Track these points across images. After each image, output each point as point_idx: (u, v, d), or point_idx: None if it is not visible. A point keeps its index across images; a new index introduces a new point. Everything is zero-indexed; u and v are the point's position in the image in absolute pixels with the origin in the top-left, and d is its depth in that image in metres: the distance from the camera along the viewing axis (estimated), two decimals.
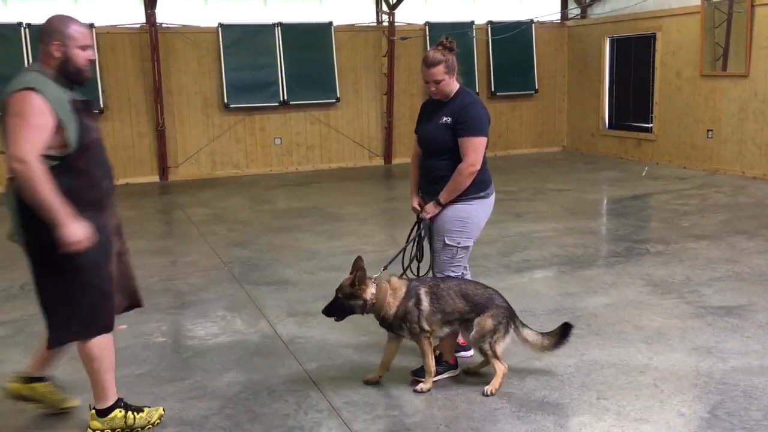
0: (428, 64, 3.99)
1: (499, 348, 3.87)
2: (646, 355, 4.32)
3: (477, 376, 4.10)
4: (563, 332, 3.98)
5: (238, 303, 5.53)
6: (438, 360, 4.09)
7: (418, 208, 4.25)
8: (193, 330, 5.03)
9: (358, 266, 3.83)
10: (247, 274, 6.29)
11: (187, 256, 7.01)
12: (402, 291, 3.87)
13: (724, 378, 3.98)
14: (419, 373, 4.05)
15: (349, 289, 3.85)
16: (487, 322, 3.85)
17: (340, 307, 3.89)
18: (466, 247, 4.12)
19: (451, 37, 4.16)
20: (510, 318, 3.94)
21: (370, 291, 3.84)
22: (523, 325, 4.01)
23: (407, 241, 4.29)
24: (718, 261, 6.23)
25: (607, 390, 3.89)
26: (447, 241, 4.06)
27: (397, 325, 3.87)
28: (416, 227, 4.29)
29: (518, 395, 3.86)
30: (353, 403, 3.83)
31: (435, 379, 3.99)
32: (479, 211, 4.10)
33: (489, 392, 3.84)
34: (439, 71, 3.98)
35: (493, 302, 3.92)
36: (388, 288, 3.87)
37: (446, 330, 3.94)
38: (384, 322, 3.91)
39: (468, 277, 4.23)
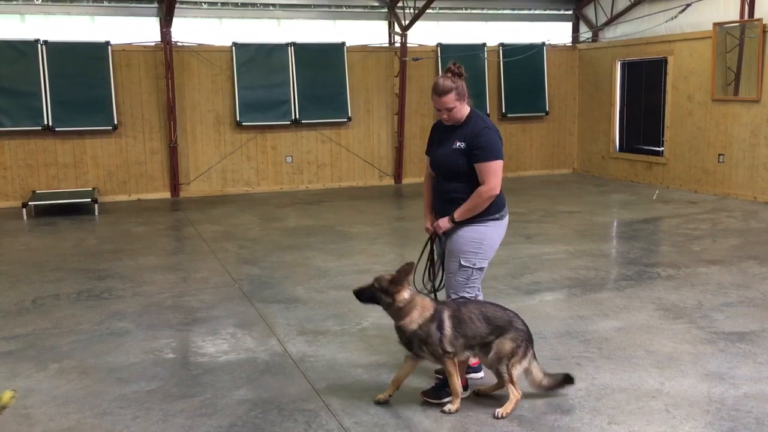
0: (439, 92, 4.01)
1: (516, 371, 3.87)
2: (657, 380, 4.30)
3: (488, 398, 4.08)
4: (563, 382, 4.05)
5: (249, 320, 5.54)
6: (447, 381, 4.08)
7: (432, 230, 4.27)
8: (203, 347, 5.04)
9: (405, 270, 3.87)
10: (258, 292, 6.30)
11: (197, 272, 7.03)
12: (429, 312, 3.88)
13: (737, 404, 3.95)
14: (429, 394, 4.04)
15: (386, 284, 3.86)
16: (505, 344, 3.86)
17: (371, 295, 3.91)
18: (481, 269, 4.13)
19: (461, 59, 4.19)
20: (529, 342, 3.95)
21: (404, 296, 3.86)
22: (534, 357, 4.02)
23: (427, 259, 4.31)
24: (729, 286, 6.20)
25: (619, 415, 3.87)
26: (463, 263, 4.07)
27: (417, 345, 3.87)
28: (429, 246, 4.30)
29: (529, 418, 3.84)
30: (363, 423, 3.82)
31: (443, 401, 3.98)
32: (494, 233, 4.12)
33: (501, 415, 3.84)
34: (450, 99, 4.00)
35: (513, 325, 3.92)
36: (419, 303, 3.90)
37: (467, 354, 3.93)
38: (401, 333, 3.91)
39: (480, 298, 4.23)
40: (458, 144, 4.06)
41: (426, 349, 3.85)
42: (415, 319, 3.84)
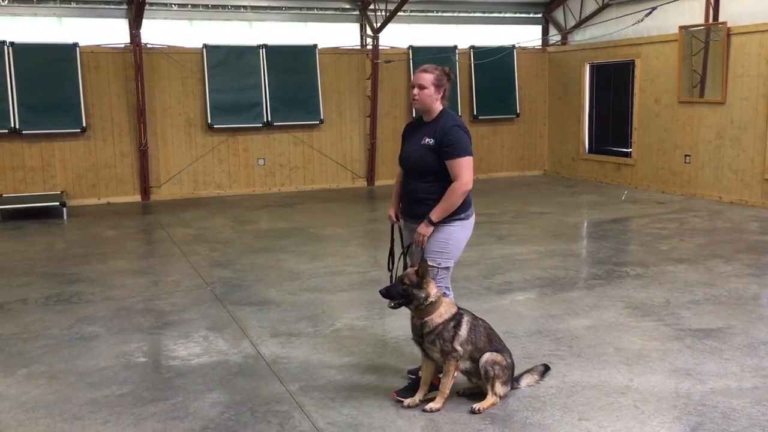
0: (421, 69, 4.15)
1: (498, 384, 3.96)
2: (626, 376, 4.37)
3: (462, 397, 4.11)
4: (543, 373, 4.33)
5: (221, 323, 5.51)
6: (418, 381, 4.10)
7: (394, 218, 4.37)
8: (175, 350, 5.00)
9: (423, 264, 3.92)
10: (230, 295, 6.27)
11: (169, 276, 6.98)
12: (454, 309, 3.99)
13: (703, 399, 4.04)
14: (402, 394, 4.07)
15: (415, 278, 3.88)
16: (500, 358, 4.00)
17: (403, 292, 3.90)
18: (447, 268, 4.16)
19: (432, 62, 4.29)
20: (512, 373, 4.10)
21: (433, 290, 3.92)
22: (517, 379, 4.19)
23: (391, 251, 4.41)
24: (696, 284, 6.32)
25: (589, 411, 3.92)
26: (428, 262, 4.09)
27: (431, 339, 3.91)
28: (392, 239, 4.41)
29: (501, 416, 3.88)
30: (336, 423, 3.83)
31: (417, 401, 4.00)
32: (460, 233, 4.15)
33: (477, 409, 3.91)
34: (427, 78, 4.10)
35: (508, 353, 4.10)
36: (445, 300, 3.98)
37: (467, 365, 3.99)
38: (423, 328, 3.92)
39: (451, 297, 4.26)
40: (427, 140, 4.10)
41: (438, 344, 3.90)
42: (442, 314, 3.93)
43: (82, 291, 6.45)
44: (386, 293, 3.95)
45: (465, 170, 4.03)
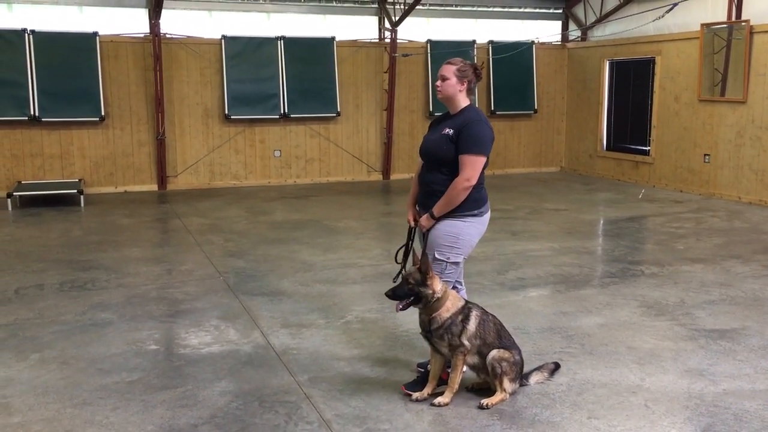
0: (446, 61, 4.16)
1: (506, 381, 3.93)
2: (638, 375, 4.33)
3: (470, 392, 4.10)
4: (552, 371, 4.31)
5: (232, 313, 5.53)
6: (427, 375, 4.09)
7: (412, 222, 4.30)
8: (186, 338, 5.02)
9: (424, 259, 3.89)
10: (242, 285, 6.29)
11: (182, 264, 7.01)
12: (461, 303, 3.96)
13: (716, 401, 3.99)
14: (411, 387, 4.06)
15: (419, 276, 3.85)
16: (508, 354, 3.97)
17: (409, 291, 3.86)
18: (456, 263, 4.12)
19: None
20: (521, 370, 4.07)
21: (438, 285, 3.89)
22: (526, 376, 4.16)
23: (404, 252, 4.34)
24: (712, 284, 6.25)
25: (599, 409, 3.89)
26: (437, 255, 4.07)
27: (439, 334, 3.89)
28: (408, 239, 4.33)
29: (509, 412, 3.86)
30: (344, 415, 3.83)
31: (426, 395, 3.99)
32: (472, 229, 4.10)
33: (486, 405, 3.89)
34: (449, 70, 4.09)
35: (518, 350, 4.06)
36: (451, 294, 3.96)
37: (475, 360, 3.97)
38: (430, 325, 3.91)
39: (463, 292, 4.24)
40: (447, 130, 4.07)
41: (446, 339, 3.88)
42: (449, 308, 3.91)
43: (97, 278, 6.49)
44: (393, 295, 3.91)
45: (470, 167, 3.98)
